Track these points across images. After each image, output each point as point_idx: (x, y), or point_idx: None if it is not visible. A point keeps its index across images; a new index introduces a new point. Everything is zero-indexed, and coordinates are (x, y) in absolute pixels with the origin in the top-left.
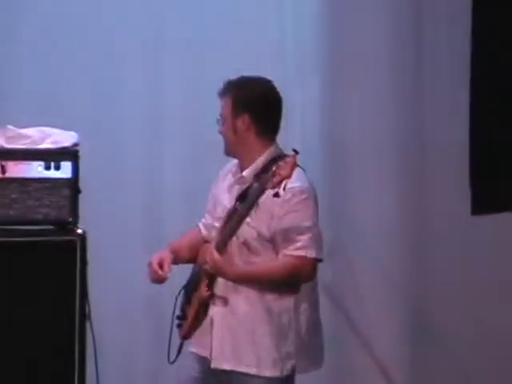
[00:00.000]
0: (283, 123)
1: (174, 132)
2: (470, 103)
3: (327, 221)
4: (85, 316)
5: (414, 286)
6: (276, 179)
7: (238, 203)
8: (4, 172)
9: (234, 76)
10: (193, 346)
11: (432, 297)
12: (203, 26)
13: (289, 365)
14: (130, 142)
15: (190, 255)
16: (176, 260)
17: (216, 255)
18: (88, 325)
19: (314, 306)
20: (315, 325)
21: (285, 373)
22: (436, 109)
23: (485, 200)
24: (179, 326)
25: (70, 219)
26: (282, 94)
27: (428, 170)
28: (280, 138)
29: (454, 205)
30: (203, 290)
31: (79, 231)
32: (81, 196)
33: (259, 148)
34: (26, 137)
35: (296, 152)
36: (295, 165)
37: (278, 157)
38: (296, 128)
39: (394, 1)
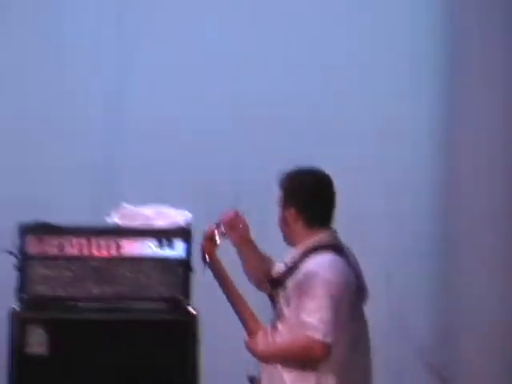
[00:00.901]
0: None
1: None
2: None
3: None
4: None
5: None
6: None
7: (270, 288)
8: (119, 249)
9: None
10: None
11: None
12: None
13: None
14: None
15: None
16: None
17: (246, 338)
18: None
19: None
20: None
21: None
22: None
23: None
24: None
25: (182, 298)
26: None
27: None
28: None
29: None
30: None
31: (191, 310)
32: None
33: (307, 237)
34: (140, 215)
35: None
36: None
37: (314, 248)
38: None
39: None
